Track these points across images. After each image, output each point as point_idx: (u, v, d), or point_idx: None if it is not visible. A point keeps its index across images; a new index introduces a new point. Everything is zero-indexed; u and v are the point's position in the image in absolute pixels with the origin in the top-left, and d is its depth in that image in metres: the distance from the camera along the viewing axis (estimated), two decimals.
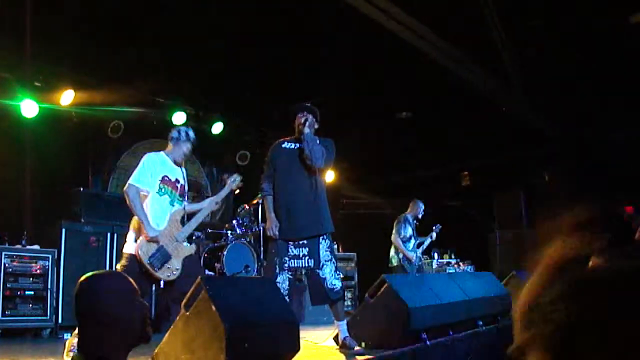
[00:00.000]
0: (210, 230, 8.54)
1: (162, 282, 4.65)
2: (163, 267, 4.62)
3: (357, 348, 4.81)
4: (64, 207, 7.47)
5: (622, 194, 9.09)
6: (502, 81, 8.62)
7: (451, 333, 5.19)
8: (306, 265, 4.97)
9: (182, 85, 8.79)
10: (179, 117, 9.34)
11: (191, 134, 5.06)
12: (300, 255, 4.96)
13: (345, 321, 5.02)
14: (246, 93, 8.98)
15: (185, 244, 4.87)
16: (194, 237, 8.17)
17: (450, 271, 9.52)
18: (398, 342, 4.68)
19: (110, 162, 9.00)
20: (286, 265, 4.95)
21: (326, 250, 4.97)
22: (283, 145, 5.26)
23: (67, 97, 7.92)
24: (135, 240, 4.67)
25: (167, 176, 4.85)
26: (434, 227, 8.90)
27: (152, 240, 4.60)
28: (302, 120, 5.11)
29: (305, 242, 4.97)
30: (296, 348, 3.91)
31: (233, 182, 5.28)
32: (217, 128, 10.00)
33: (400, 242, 8.41)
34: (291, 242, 5.01)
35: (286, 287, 4.91)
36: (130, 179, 4.74)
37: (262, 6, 6.97)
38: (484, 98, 9.05)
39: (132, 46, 7.37)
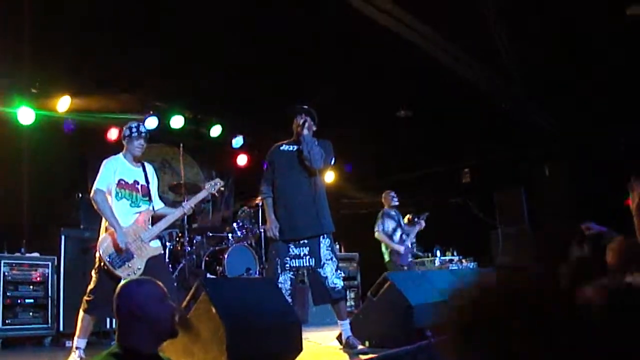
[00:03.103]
0: (211, 234, 8.49)
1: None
2: (124, 265, 4.58)
3: (360, 347, 4.80)
4: (63, 213, 7.44)
5: (622, 189, 9.04)
6: (502, 78, 8.57)
7: None
8: (307, 264, 4.97)
9: (179, 89, 8.74)
10: (177, 121, 9.29)
11: (142, 128, 5.01)
12: (301, 255, 4.97)
13: (348, 320, 5.02)
14: (245, 95, 8.94)
15: (151, 243, 4.82)
16: (194, 241, 8.13)
17: (453, 268, 9.46)
18: (402, 340, 4.64)
19: None
20: (287, 265, 4.96)
21: (327, 249, 4.97)
22: (282, 148, 5.30)
23: (63, 104, 7.89)
24: None
25: (123, 179, 4.84)
26: (420, 215, 8.87)
27: (121, 247, 4.56)
28: (301, 122, 5.13)
29: (305, 241, 4.99)
30: (299, 348, 3.88)
31: (212, 187, 5.23)
32: (216, 131, 9.97)
33: (385, 236, 8.37)
34: (292, 242, 5.01)
35: (288, 287, 4.91)
36: (95, 184, 4.75)
37: (259, 7, 6.93)
38: (484, 95, 9.00)
39: (128, 51, 7.33)
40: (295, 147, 5.20)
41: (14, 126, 7.55)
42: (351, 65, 8.13)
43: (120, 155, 5.00)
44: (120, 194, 4.78)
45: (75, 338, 4.49)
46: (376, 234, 8.47)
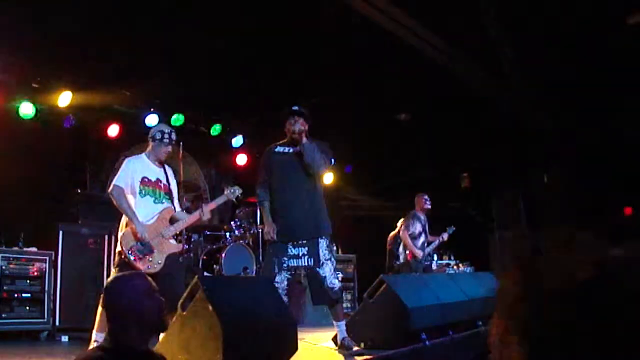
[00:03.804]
0: (208, 232, 8.49)
1: None
2: (144, 259, 4.68)
3: (355, 348, 4.81)
4: (61, 208, 7.44)
5: (621, 194, 9.06)
6: (502, 81, 8.58)
7: (451, 333, 5.16)
8: (306, 264, 4.98)
9: (180, 87, 8.74)
10: (177, 119, 9.28)
11: (174, 136, 5.14)
12: (300, 255, 4.97)
13: (344, 322, 5.02)
14: (245, 94, 8.94)
15: (171, 240, 4.95)
16: (192, 240, 8.14)
17: (450, 272, 9.46)
18: (397, 343, 4.65)
19: (108, 164, 8.93)
20: (285, 265, 4.96)
21: (325, 249, 4.99)
22: (277, 150, 5.28)
23: (64, 99, 7.88)
24: None
25: (146, 177, 4.95)
26: (447, 229, 8.68)
27: (140, 237, 4.67)
28: (297, 129, 5.08)
29: (304, 242, 4.99)
30: (294, 348, 3.89)
31: (231, 193, 5.32)
32: (216, 130, 9.96)
33: (409, 238, 8.17)
34: (290, 243, 5.01)
35: (284, 287, 4.91)
36: (114, 180, 4.86)
37: (260, 6, 6.94)
38: (484, 98, 9.01)
39: (130, 47, 7.33)
40: (291, 149, 5.19)
41: (14, 120, 7.54)
42: (351, 66, 8.14)
43: (143, 155, 5.13)
44: (144, 191, 4.90)
45: (94, 331, 4.58)
46: (401, 233, 8.31)
